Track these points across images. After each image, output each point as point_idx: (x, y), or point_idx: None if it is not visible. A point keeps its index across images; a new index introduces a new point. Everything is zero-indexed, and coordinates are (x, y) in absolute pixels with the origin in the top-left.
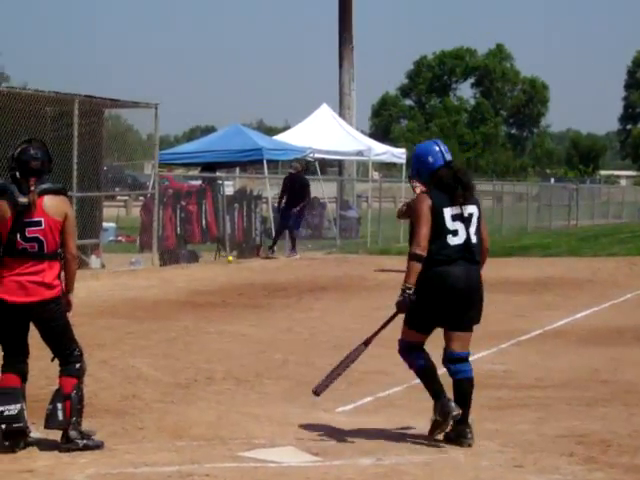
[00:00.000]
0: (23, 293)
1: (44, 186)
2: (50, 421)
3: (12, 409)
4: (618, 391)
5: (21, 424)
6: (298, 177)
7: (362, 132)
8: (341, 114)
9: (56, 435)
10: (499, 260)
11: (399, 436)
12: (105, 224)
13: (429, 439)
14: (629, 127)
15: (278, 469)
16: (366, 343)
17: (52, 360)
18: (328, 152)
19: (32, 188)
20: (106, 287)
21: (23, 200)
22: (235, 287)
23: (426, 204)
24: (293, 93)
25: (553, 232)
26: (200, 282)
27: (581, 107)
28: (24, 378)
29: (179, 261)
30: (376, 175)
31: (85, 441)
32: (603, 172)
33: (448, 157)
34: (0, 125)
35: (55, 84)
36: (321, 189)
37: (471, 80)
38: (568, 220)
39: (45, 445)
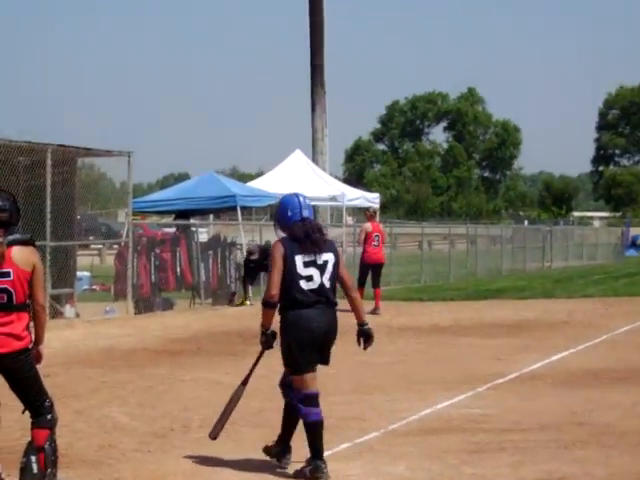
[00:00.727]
0: None
1: (12, 237)
2: (25, 475)
3: None
4: (595, 433)
5: None
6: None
7: (335, 177)
8: (314, 159)
9: None
10: (474, 303)
11: None
12: (79, 273)
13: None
14: (601, 168)
15: None
16: (244, 383)
17: (23, 412)
18: None
19: (0, 239)
20: (81, 336)
21: None
22: (210, 335)
23: (279, 252)
24: (266, 139)
25: (527, 274)
26: (175, 330)
27: (553, 149)
28: None
29: (154, 309)
30: (350, 220)
31: None
32: (576, 214)
33: (305, 213)
34: None
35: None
36: None
37: (443, 124)
38: (542, 262)
39: None
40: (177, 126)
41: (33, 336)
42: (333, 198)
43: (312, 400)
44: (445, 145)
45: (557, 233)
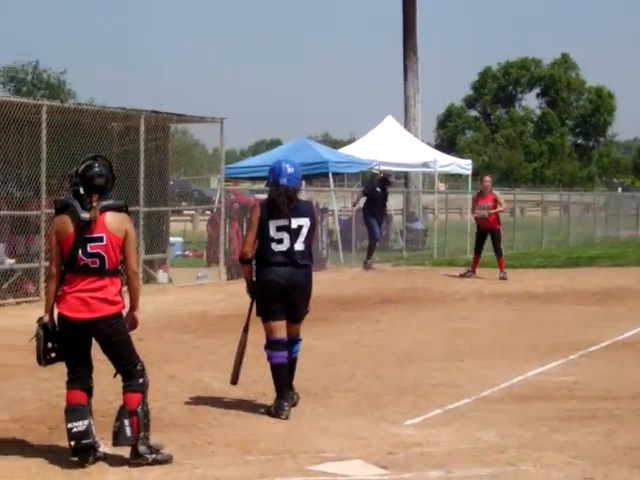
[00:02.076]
0: (86, 309)
1: (106, 203)
2: (118, 438)
3: (80, 425)
4: None
5: (89, 440)
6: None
7: (427, 144)
8: (406, 126)
9: (125, 450)
10: (566, 270)
11: (468, 449)
12: (172, 239)
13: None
14: None
15: None
16: (245, 330)
17: (114, 376)
18: (394, 164)
19: (94, 204)
20: (174, 302)
21: (85, 216)
22: None
23: (256, 214)
24: (358, 106)
25: (621, 242)
26: None
27: None
28: (90, 394)
29: None
30: (442, 186)
31: (154, 455)
32: None
33: (282, 181)
34: (68, 141)
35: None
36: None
37: (536, 90)
38: (636, 230)
39: (114, 460)
40: (269, 92)
41: (126, 301)
42: (425, 164)
43: (277, 345)
44: (538, 111)
45: None
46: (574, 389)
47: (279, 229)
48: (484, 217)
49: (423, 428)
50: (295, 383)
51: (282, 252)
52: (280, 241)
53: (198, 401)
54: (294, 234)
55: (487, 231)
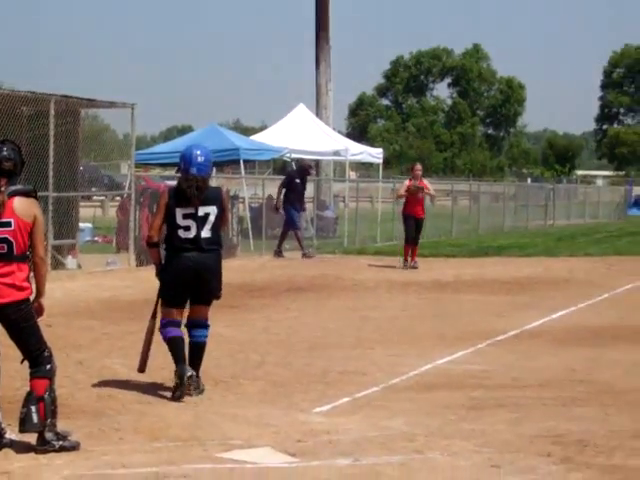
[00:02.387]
0: None
1: (14, 187)
2: (25, 424)
3: None
4: (594, 391)
5: None
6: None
7: (339, 132)
8: (318, 114)
9: (32, 437)
10: (476, 260)
11: (376, 437)
12: (81, 224)
13: (174, 399)
14: (605, 127)
15: (255, 470)
16: (153, 317)
17: (22, 362)
18: (305, 152)
19: (2, 189)
20: (82, 288)
21: None
22: None
23: (164, 200)
24: (270, 93)
25: (530, 232)
26: None
27: (557, 107)
28: None
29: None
30: (353, 175)
31: (61, 442)
32: (579, 172)
33: (193, 170)
34: None
35: (31, 84)
36: None
37: (448, 80)
38: (545, 220)
39: (21, 447)
40: (181, 78)
41: (34, 287)
42: (336, 153)
43: (173, 323)
44: (449, 101)
45: (560, 191)
46: (482, 378)
47: (185, 217)
48: (417, 190)
49: (332, 416)
50: (204, 370)
51: (189, 239)
52: (187, 228)
53: (106, 388)
54: (200, 222)
55: (418, 219)
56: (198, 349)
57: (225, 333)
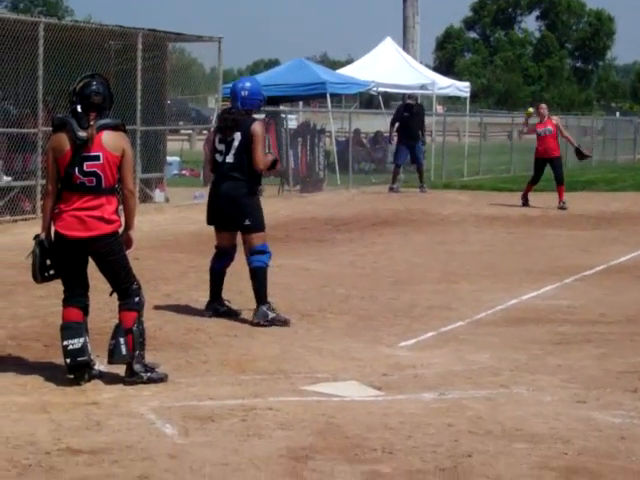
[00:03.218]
0: (82, 228)
1: (103, 121)
2: (113, 356)
3: (76, 343)
4: None
5: (85, 357)
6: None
7: (426, 66)
8: (405, 47)
9: (120, 368)
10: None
11: (462, 371)
12: (169, 158)
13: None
14: None
15: (341, 403)
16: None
17: (110, 294)
18: (392, 86)
19: (91, 123)
20: (170, 221)
21: (82, 134)
22: (298, 221)
23: (211, 132)
24: (356, 26)
25: (618, 166)
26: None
27: None
28: (86, 312)
29: None
30: (440, 109)
31: (149, 374)
32: None
33: (237, 105)
34: (65, 59)
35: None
36: (385, 123)
37: (536, 13)
38: (634, 154)
39: (110, 378)
40: (267, 12)
41: (123, 220)
42: (423, 86)
43: (219, 253)
44: (537, 34)
45: None
46: (568, 313)
47: (220, 141)
48: (546, 133)
49: (417, 350)
50: (289, 304)
51: (218, 163)
52: (220, 152)
53: (194, 321)
54: (227, 147)
55: (547, 159)
56: (251, 275)
57: (311, 267)
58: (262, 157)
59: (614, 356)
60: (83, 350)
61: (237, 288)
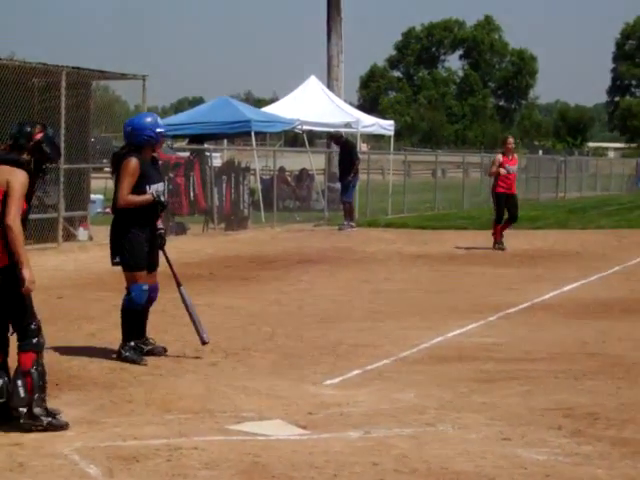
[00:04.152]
0: None
1: None
2: (12, 399)
3: None
4: (606, 364)
5: (4, 399)
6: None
7: (350, 104)
8: (329, 86)
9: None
10: (488, 232)
11: (387, 409)
12: (93, 196)
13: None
14: (617, 99)
15: (266, 442)
16: (178, 285)
17: (11, 334)
18: (316, 124)
19: None
20: (94, 259)
21: None
22: (223, 259)
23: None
24: (281, 65)
25: (541, 204)
26: (188, 254)
27: (569, 79)
28: (4, 352)
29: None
30: (364, 147)
31: (50, 419)
32: (591, 144)
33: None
34: None
35: (42, 56)
36: (309, 161)
37: (459, 52)
38: (556, 192)
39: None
40: (192, 50)
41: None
42: (348, 125)
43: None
44: (461, 73)
45: (571, 163)
46: (493, 350)
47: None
48: (509, 172)
49: (343, 388)
50: (214, 342)
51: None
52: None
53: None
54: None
55: (510, 195)
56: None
57: (236, 305)
58: (123, 192)
59: (538, 393)
60: (2, 391)
61: (163, 327)
